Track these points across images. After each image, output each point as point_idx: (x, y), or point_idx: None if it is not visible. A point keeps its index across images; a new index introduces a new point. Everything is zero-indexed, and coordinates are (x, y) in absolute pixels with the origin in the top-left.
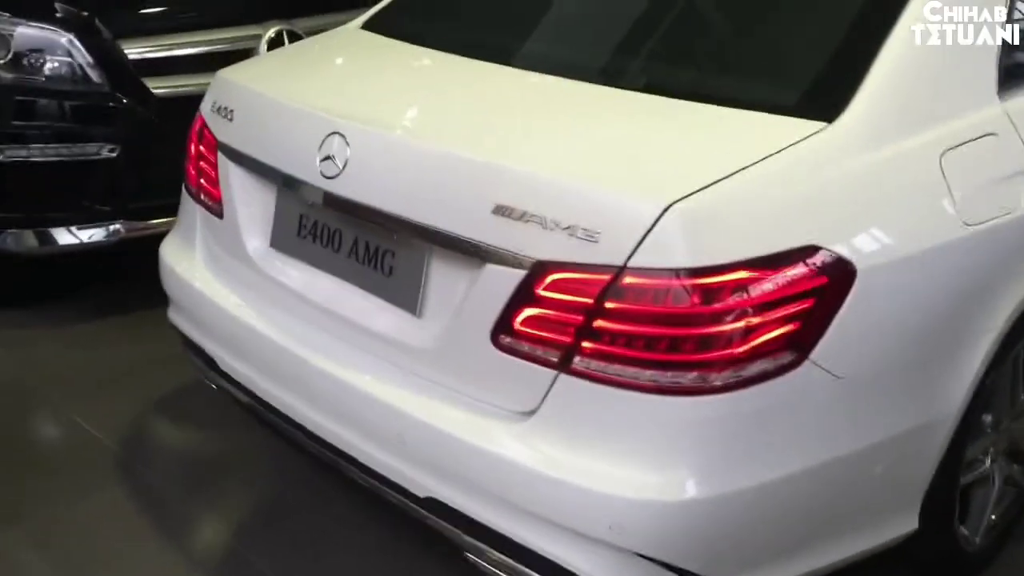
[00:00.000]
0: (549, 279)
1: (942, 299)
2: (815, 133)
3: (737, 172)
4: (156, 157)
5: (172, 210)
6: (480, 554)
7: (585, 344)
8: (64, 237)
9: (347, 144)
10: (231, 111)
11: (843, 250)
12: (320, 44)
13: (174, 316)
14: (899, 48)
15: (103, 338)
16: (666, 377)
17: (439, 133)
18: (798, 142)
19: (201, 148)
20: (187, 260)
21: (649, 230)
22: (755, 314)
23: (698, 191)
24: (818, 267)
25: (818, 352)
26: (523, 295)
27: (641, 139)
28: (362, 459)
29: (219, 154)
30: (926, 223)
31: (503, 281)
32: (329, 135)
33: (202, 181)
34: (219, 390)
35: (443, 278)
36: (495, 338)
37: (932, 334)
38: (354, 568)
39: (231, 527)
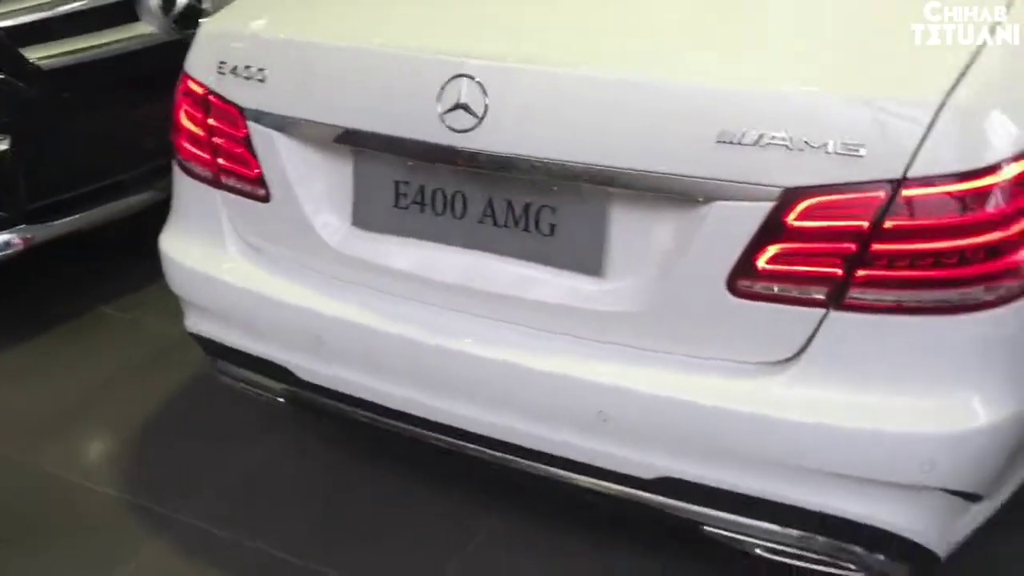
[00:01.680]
0: (802, 207)
1: None
2: None
3: (984, 46)
4: (54, 144)
5: (78, 205)
6: (731, 526)
7: (860, 272)
8: None
9: (482, 88)
10: (261, 71)
11: None
12: None
13: (200, 326)
14: None
15: (27, 366)
16: (959, 294)
17: (615, 58)
18: None
19: (211, 121)
20: (214, 257)
21: (927, 132)
22: None
23: (963, 76)
24: None
25: None
26: (769, 230)
27: (848, 25)
28: (556, 451)
29: (251, 125)
30: None
31: (739, 218)
32: (452, 80)
33: (221, 161)
34: (294, 404)
35: (633, 228)
36: (732, 285)
37: None
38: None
39: (298, 541)
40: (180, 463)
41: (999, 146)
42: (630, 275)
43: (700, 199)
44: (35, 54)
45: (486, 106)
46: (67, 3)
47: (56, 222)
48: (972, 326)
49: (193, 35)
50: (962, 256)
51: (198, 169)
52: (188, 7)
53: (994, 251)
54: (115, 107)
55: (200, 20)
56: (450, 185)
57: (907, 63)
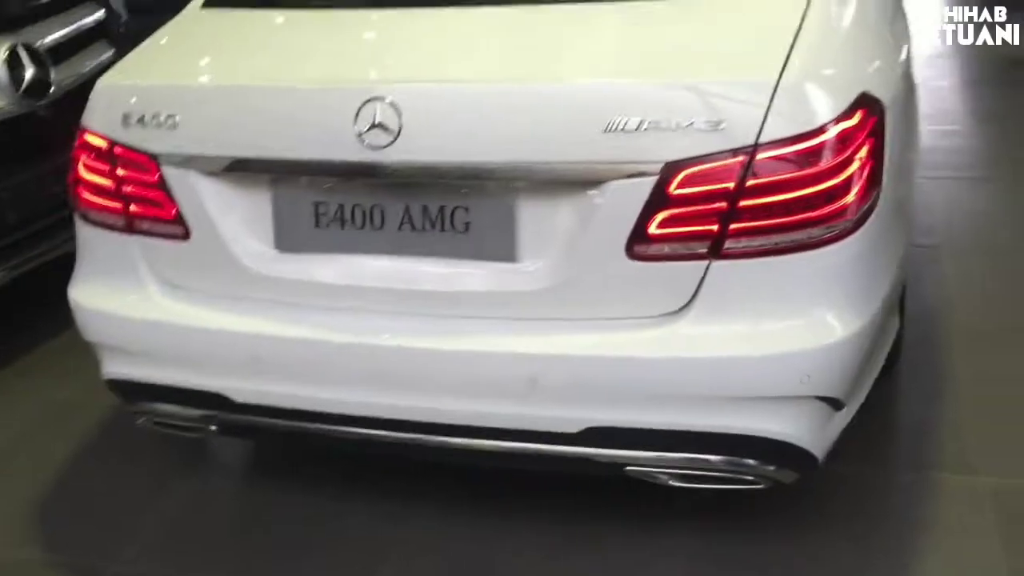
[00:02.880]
0: (681, 177)
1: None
2: None
3: (800, 32)
4: None
5: None
6: (648, 462)
7: (732, 226)
8: None
9: (396, 108)
10: (172, 116)
11: (876, 90)
12: (209, 26)
13: (121, 369)
14: None
15: None
16: (806, 234)
17: (508, 69)
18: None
19: (119, 171)
20: (134, 299)
21: (770, 105)
22: (863, 158)
23: (788, 58)
24: (872, 108)
25: (885, 181)
26: (656, 200)
27: (678, 31)
28: (485, 423)
29: (165, 169)
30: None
31: (630, 193)
32: (366, 103)
33: (133, 207)
34: (226, 431)
35: (539, 215)
36: (630, 251)
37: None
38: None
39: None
40: (98, 517)
41: (822, 112)
42: (541, 257)
43: (594, 181)
44: None
45: (400, 124)
46: None
47: None
48: (820, 259)
49: (42, 107)
50: (807, 203)
51: (106, 218)
52: (36, 80)
53: (830, 196)
54: None
55: (48, 91)
56: (367, 200)
57: (737, 48)
